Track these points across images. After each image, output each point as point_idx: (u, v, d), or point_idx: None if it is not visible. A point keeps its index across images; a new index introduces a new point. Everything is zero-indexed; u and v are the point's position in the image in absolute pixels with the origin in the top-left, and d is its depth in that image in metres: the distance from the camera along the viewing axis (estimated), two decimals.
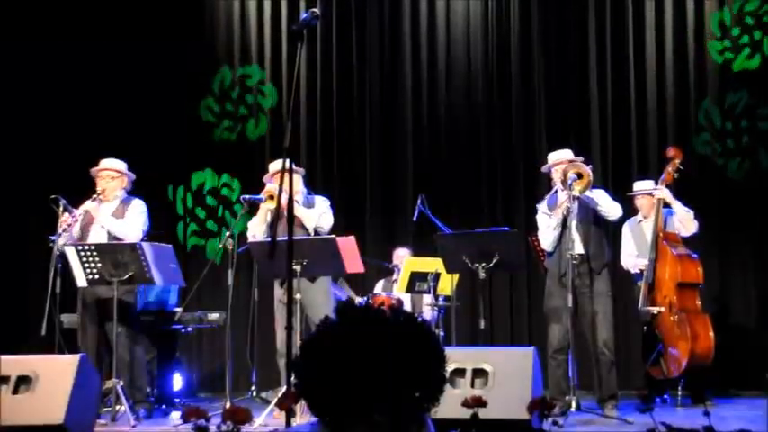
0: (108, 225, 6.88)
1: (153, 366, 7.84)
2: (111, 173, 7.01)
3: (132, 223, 6.92)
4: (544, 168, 6.94)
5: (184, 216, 9.64)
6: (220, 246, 6.79)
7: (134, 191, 7.18)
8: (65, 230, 6.71)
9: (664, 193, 7.23)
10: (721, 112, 8.84)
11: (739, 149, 8.80)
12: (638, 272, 7.41)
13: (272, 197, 6.66)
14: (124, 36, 9.44)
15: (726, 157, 8.78)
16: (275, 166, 6.89)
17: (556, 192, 6.71)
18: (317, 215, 6.81)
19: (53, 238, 6.69)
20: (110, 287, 6.52)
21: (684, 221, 7.31)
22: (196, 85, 9.68)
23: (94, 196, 6.90)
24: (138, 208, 7.01)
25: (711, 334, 7.10)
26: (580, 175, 6.49)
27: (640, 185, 7.65)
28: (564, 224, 6.58)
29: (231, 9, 9.80)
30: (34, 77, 9.30)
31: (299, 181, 6.81)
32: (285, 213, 4.90)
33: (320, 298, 6.77)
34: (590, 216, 6.68)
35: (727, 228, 8.67)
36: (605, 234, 6.93)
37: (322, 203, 6.96)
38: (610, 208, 6.69)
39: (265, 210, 6.78)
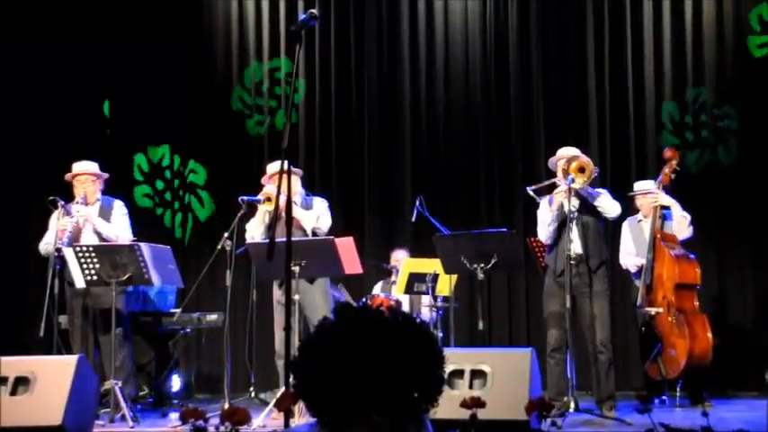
0: (101, 229, 6.91)
1: (151, 368, 7.85)
2: (90, 176, 7.06)
3: (121, 226, 7.04)
4: (550, 163, 6.92)
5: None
6: (218, 247, 6.78)
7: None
8: (62, 232, 6.72)
9: (662, 197, 7.25)
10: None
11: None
12: (637, 269, 7.42)
13: (269, 199, 6.67)
14: (126, 35, 9.44)
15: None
16: (273, 167, 6.89)
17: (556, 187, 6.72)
18: (315, 216, 6.82)
19: (46, 242, 6.71)
20: (105, 289, 6.55)
21: (680, 226, 7.32)
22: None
23: (78, 200, 6.93)
24: (121, 209, 7.14)
25: (709, 335, 7.11)
26: (582, 170, 6.50)
27: (641, 185, 7.66)
28: (563, 221, 6.59)
29: (230, 9, 9.81)
30: (42, 77, 9.29)
31: (297, 182, 6.81)
32: (283, 215, 4.89)
33: (319, 299, 6.78)
34: (589, 214, 6.68)
35: (724, 226, 8.68)
36: (604, 232, 6.95)
37: (320, 204, 6.96)
38: (609, 206, 6.69)
39: (263, 211, 6.79)
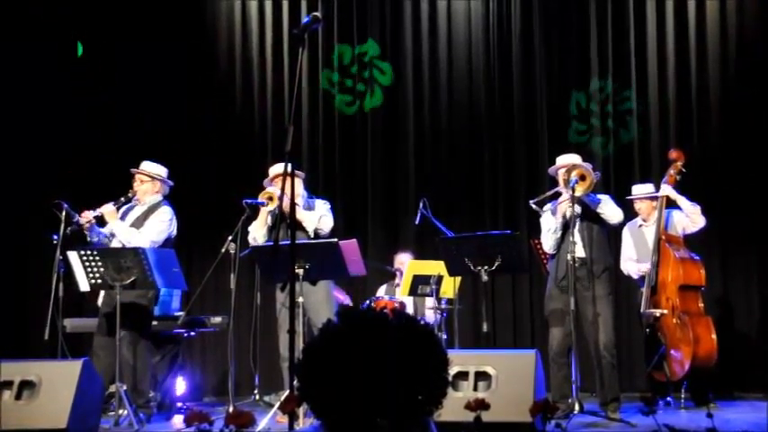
0: (116, 231, 6.91)
1: (156, 370, 7.84)
2: (143, 176, 7.07)
3: (146, 232, 6.90)
4: (550, 171, 6.94)
5: None
6: (222, 250, 6.78)
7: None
8: (78, 231, 6.75)
9: (668, 190, 7.22)
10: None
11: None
12: (640, 276, 7.40)
13: (271, 198, 6.67)
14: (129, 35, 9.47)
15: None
16: (275, 169, 6.89)
17: (559, 196, 6.72)
18: (317, 217, 6.82)
19: (55, 237, 6.69)
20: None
21: (692, 216, 7.28)
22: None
23: (128, 195, 6.95)
24: (162, 216, 6.99)
25: (714, 336, 7.08)
26: (583, 177, 6.50)
27: (640, 189, 7.64)
28: (566, 227, 6.59)
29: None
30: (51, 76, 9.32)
31: (299, 184, 6.82)
32: (287, 216, 4.90)
33: (322, 301, 6.77)
34: (592, 220, 6.68)
35: (729, 227, 8.66)
36: (607, 238, 6.94)
37: (322, 206, 6.96)
38: (611, 212, 6.67)
39: (265, 213, 6.79)
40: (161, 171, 7.16)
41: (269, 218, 6.80)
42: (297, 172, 6.67)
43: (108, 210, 6.89)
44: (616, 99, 9.16)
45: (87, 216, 6.79)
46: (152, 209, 7.03)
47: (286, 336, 6.44)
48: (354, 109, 9.67)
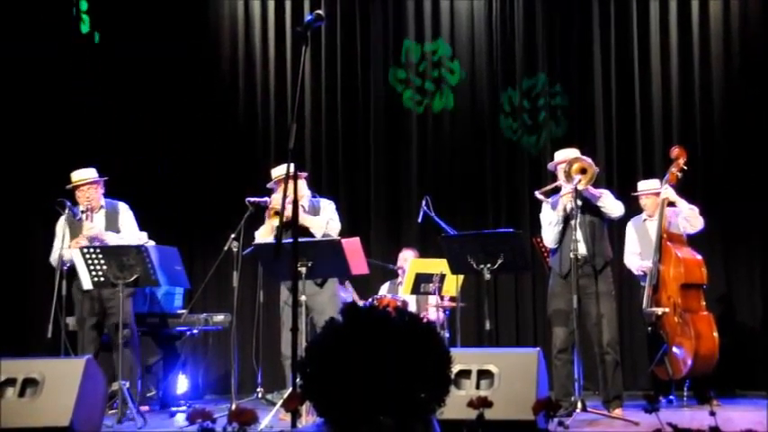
0: (114, 243, 6.92)
1: (158, 369, 7.86)
2: (91, 184, 7.10)
3: (131, 228, 7.12)
4: (550, 166, 6.96)
5: None
6: (225, 248, 6.78)
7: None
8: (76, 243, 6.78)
9: (668, 192, 7.23)
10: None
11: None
12: (642, 274, 7.41)
13: (277, 213, 6.62)
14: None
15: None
16: (278, 171, 6.88)
17: (559, 191, 6.73)
18: (325, 222, 6.78)
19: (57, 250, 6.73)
20: (113, 290, 6.57)
21: (691, 218, 7.30)
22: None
23: (82, 210, 6.95)
24: (127, 212, 7.21)
25: (716, 334, 7.09)
26: (584, 171, 6.51)
27: (645, 185, 7.65)
28: (566, 222, 6.60)
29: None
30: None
31: (303, 185, 6.81)
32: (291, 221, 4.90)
33: (327, 302, 6.76)
34: (593, 215, 6.70)
35: (731, 225, 8.66)
36: (608, 232, 6.95)
37: (328, 207, 6.94)
38: (612, 206, 6.70)
39: (270, 224, 6.76)
40: (93, 173, 7.19)
41: (274, 229, 6.81)
42: (299, 173, 6.70)
43: (95, 232, 6.94)
44: (618, 96, 9.17)
45: (76, 247, 6.77)
46: (113, 210, 7.16)
47: (289, 334, 6.45)
48: (357, 107, 9.67)
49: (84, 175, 7.14)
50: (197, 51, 9.69)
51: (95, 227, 6.93)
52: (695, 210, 7.33)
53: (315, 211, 6.91)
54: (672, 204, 7.30)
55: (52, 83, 9.25)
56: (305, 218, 6.69)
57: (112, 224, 7.10)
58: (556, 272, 6.77)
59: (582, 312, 6.54)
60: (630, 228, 7.60)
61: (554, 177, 6.89)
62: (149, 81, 9.44)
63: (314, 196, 7.05)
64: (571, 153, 6.85)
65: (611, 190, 7.07)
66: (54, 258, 6.93)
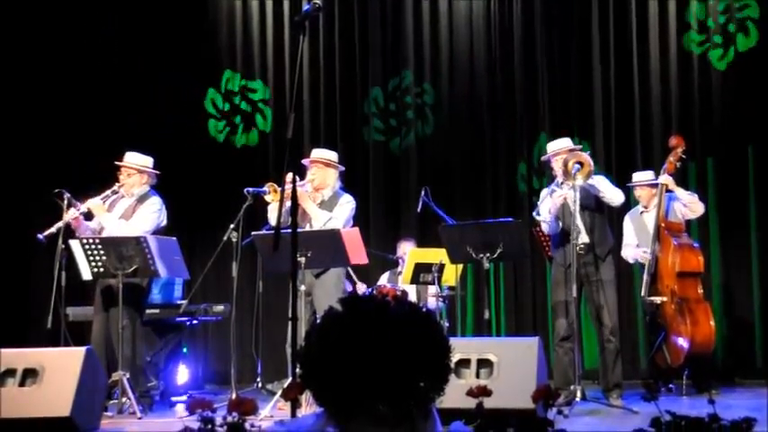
0: (105, 224, 6.86)
1: (158, 359, 7.87)
2: (129, 170, 7.00)
3: (135, 223, 6.86)
4: (544, 158, 6.97)
5: None
6: (224, 238, 6.77)
7: None
8: (68, 225, 6.70)
9: (667, 179, 7.23)
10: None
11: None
12: (637, 261, 7.43)
13: (275, 190, 6.61)
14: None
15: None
16: (315, 153, 6.93)
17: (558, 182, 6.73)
18: (327, 218, 6.71)
19: (41, 236, 6.65)
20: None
21: (691, 206, 7.31)
22: None
23: (115, 189, 6.90)
24: (151, 207, 6.95)
25: (712, 322, 7.14)
26: (581, 164, 6.51)
27: (639, 176, 7.65)
28: (565, 214, 6.62)
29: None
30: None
31: (333, 175, 6.83)
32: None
33: (328, 294, 6.71)
34: (593, 204, 6.71)
35: (729, 213, 8.65)
36: (608, 220, 6.95)
37: (344, 205, 6.82)
38: (612, 194, 6.72)
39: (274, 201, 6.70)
40: (147, 162, 7.06)
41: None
42: (333, 162, 6.80)
43: (94, 204, 6.82)
44: (617, 89, 9.16)
45: (73, 213, 6.72)
46: (141, 200, 6.97)
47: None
48: (355, 97, 9.66)
49: (130, 158, 7.04)
50: (196, 49, 9.67)
51: (75, 214, 6.77)
52: (695, 195, 7.35)
53: (332, 202, 6.84)
54: (671, 191, 7.30)
55: (52, 79, 9.27)
56: (311, 207, 6.68)
57: (130, 212, 6.95)
58: (558, 262, 6.78)
59: (585, 300, 6.56)
60: (627, 220, 7.61)
61: (549, 168, 6.89)
62: (149, 76, 9.43)
63: (342, 188, 6.98)
64: (564, 143, 6.86)
65: (607, 178, 7.06)
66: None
